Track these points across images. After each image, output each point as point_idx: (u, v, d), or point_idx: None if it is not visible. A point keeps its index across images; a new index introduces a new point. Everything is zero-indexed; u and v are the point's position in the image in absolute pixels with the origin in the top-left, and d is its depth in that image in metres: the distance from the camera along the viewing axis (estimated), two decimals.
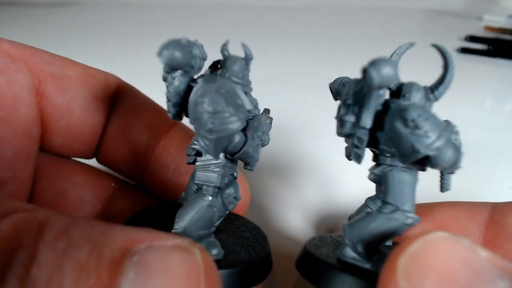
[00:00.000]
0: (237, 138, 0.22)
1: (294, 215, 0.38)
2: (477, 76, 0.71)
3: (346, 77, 0.25)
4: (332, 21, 1.04)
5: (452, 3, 1.16)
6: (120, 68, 0.40)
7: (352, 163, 0.25)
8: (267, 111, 0.29)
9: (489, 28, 0.92)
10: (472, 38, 0.86)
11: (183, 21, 0.96)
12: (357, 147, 0.23)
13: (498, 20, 0.95)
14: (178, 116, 0.25)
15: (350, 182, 0.41)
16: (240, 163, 0.25)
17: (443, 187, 0.25)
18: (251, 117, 0.24)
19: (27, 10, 0.95)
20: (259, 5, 1.10)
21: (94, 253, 0.17)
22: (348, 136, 0.24)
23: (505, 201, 0.28)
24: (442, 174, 0.25)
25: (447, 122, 0.24)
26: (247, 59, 0.24)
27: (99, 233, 0.18)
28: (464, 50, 0.80)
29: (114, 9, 1.02)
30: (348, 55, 0.74)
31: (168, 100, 0.24)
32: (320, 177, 0.44)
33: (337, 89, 0.25)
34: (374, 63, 0.20)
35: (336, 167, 0.29)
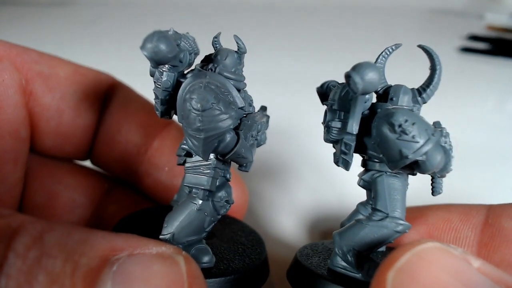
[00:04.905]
0: (228, 137, 0.21)
1: (290, 219, 0.37)
2: (478, 75, 0.70)
3: (333, 81, 0.25)
4: (333, 21, 1.03)
5: (453, 2, 1.14)
6: (119, 68, 0.39)
7: None
8: (264, 108, 0.27)
9: (492, 27, 0.90)
10: (474, 37, 0.84)
11: (183, 20, 0.95)
12: (344, 153, 0.22)
13: (500, 18, 0.93)
14: (166, 114, 0.23)
15: (346, 184, 0.40)
16: (235, 164, 0.24)
17: (435, 191, 0.24)
18: (244, 115, 0.23)
19: (26, 10, 0.95)
20: (261, 5, 1.09)
21: (69, 263, 0.16)
22: (335, 142, 0.23)
23: (502, 202, 0.27)
24: (433, 178, 0.24)
25: (437, 125, 0.23)
26: (240, 52, 0.23)
27: (77, 240, 0.17)
28: (465, 49, 0.78)
29: (113, 9, 1.02)
30: (349, 55, 0.73)
31: (156, 97, 0.23)
32: (316, 180, 0.43)
33: (324, 93, 0.25)
34: (357, 68, 0.19)
35: (332, 170, 0.28)
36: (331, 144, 0.24)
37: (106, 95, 0.32)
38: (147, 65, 0.22)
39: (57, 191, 0.31)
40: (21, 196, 0.30)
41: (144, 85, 0.33)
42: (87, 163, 0.34)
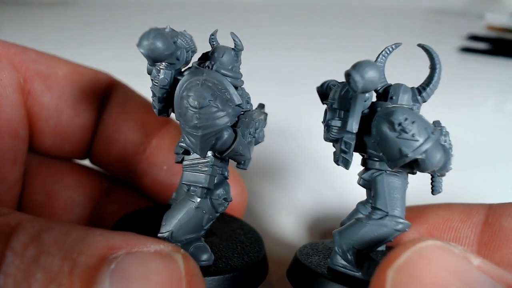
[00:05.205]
0: (226, 134, 0.21)
1: (290, 219, 0.37)
2: (478, 75, 0.70)
3: (334, 80, 0.25)
4: (333, 21, 1.03)
5: (453, 2, 1.14)
6: (119, 68, 0.39)
7: None
8: (261, 106, 0.27)
9: (492, 27, 0.90)
10: (474, 37, 0.84)
11: (182, 20, 0.95)
12: (344, 152, 0.22)
13: (500, 18, 0.93)
14: (164, 112, 0.23)
15: (346, 184, 0.40)
16: (234, 163, 0.24)
17: (435, 190, 0.24)
18: (242, 113, 0.23)
19: (27, 10, 0.95)
20: (260, 4, 1.09)
21: (67, 261, 0.16)
22: (335, 141, 0.23)
23: (502, 202, 0.27)
24: (433, 177, 0.24)
25: (436, 123, 0.23)
26: (237, 49, 0.23)
27: (76, 239, 0.17)
28: (465, 49, 0.78)
29: (113, 9, 1.02)
30: (349, 54, 0.72)
31: (154, 94, 0.23)
32: (316, 180, 0.43)
33: (324, 92, 0.25)
34: (357, 66, 0.19)
35: (331, 169, 0.28)
36: (331, 143, 0.24)
37: (104, 94, 0.32)
38: (145, 64, 0.22)
39: (56, 191, 0.31)
40: (20, 195, 0.30)
41: (143, 85, 0.33)
42: (86, 162, 0.34)
